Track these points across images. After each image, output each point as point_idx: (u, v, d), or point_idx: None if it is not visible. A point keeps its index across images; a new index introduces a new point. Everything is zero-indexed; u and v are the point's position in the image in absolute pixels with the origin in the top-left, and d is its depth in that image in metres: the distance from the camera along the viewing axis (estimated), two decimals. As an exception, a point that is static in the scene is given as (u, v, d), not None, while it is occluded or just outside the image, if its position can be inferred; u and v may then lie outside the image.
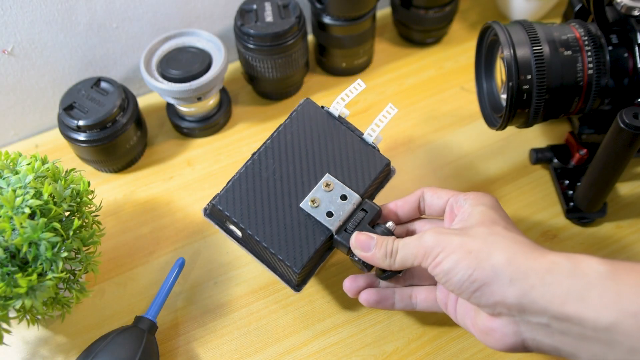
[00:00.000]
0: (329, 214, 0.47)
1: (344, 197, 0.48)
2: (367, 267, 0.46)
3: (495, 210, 0.42)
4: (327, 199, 0.48)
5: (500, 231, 0.39)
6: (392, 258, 0.43)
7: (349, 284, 0.48)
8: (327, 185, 0.48)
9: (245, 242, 0.49)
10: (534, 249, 0.38)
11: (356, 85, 0.52)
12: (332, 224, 0.47)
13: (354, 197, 0.48)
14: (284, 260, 0.46)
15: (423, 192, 0.48)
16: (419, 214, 0.49)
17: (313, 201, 0.47)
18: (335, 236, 0.47)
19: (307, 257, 0.46)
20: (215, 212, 0.49)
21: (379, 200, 0.51)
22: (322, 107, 0.52)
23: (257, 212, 0.47)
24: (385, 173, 0.51)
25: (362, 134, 0.51)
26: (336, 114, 0.51)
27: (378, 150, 0.51)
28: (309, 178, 0.49)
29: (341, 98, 0.52)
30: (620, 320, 0.33)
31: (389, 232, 0.46)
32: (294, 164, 0.49)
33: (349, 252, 0.47)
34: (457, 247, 0.39)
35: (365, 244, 0.44)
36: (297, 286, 0.48)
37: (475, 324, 0.41)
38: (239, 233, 0.48)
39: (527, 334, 0.37)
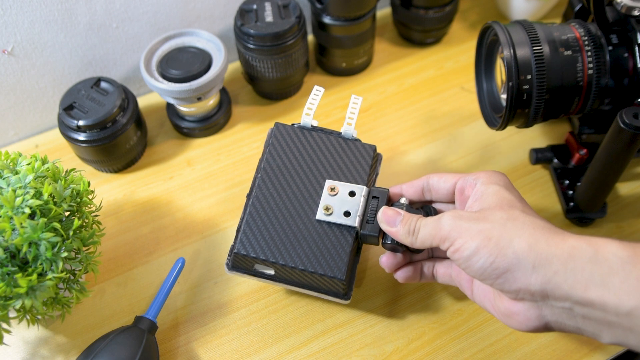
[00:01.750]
0: (346, 214, 0.47)
1: (352, 193, 0.48)
2: (401, 247, 0.46)
3: (509, 191, 0.42)
4: (338, 202, 0.48)
5: (519, 215, 0.39)
6: (414, 236, 0.43)
7: (387, 261, 0.48)
8: (332, 189, 0.48)
9: (278, 277, 0.48)
10: (554, 232, 0.37)
11: (316, 92, 0.53)
12: (354, 221, 0.47)
13: (361, 189, 0.48)
14: (325, 275, 0.46)
15: (429, 177, 0.48)
16: (424, 198, 0.49)
17: (326, 209, 0.47)
18: (361, 231, 0.47)
19: (346, 262, 0.46)
20: (239, 261, 0.48)
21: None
22: (293, 124, 0.52)
23: (280, 243, 0.47)
24: (375, 159, 0.51)
25: (340, 133, 0.51)
26: (309, 125, 0.52)
27: (360, 141, 0.51)
28: (312, 191, 0.49)
29: (308, 109, 0.52)
30: None
31: (408, 208, 0.47)
32: (292, 185, 0.49)
33: (382, 237, 0.47)
34: (476, 234, 0.38)
35: (392, 219, 0.44)
36: (345, 295, 0.48)
37: (495, 306, 0.41)
38: (271, 271, 0.48)
39: (550, 317, 0.37)
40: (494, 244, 0.37)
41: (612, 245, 0.35)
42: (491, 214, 0.40)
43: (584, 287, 0.34)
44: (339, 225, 0.47)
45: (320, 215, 0.47)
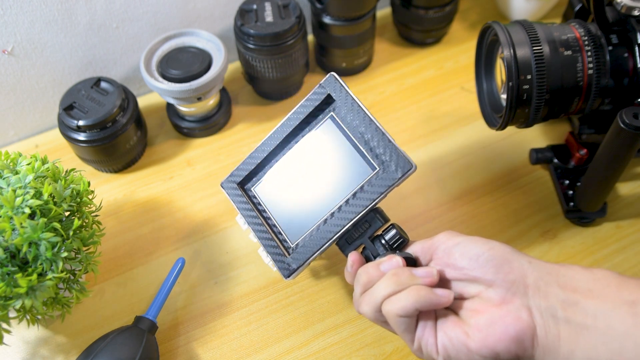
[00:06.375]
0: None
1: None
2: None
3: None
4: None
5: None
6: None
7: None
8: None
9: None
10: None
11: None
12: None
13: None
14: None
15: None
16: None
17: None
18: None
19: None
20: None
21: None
22: None
23: None
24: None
25: None
26: None
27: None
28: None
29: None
30: (617, 307, 0.35)
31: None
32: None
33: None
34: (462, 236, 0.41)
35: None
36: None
37: (476, 323, 0.38)
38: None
39: (538, 318, 0.37)
40: (487, 239, 0.40)
41: (601, 268, 0.38)
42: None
43: (573, 289, 0.37)
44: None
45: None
